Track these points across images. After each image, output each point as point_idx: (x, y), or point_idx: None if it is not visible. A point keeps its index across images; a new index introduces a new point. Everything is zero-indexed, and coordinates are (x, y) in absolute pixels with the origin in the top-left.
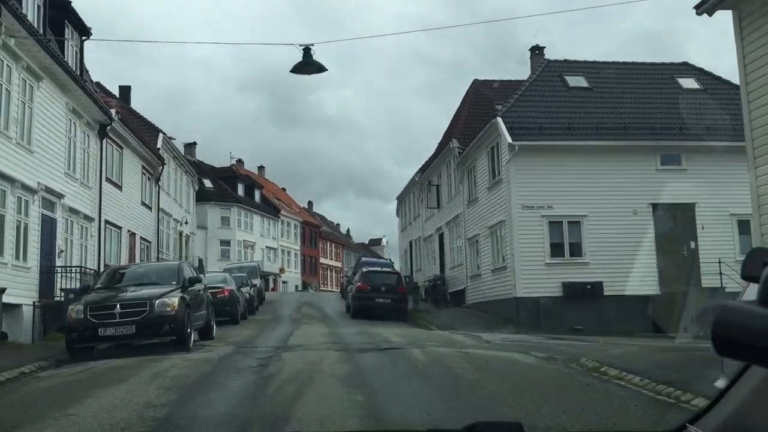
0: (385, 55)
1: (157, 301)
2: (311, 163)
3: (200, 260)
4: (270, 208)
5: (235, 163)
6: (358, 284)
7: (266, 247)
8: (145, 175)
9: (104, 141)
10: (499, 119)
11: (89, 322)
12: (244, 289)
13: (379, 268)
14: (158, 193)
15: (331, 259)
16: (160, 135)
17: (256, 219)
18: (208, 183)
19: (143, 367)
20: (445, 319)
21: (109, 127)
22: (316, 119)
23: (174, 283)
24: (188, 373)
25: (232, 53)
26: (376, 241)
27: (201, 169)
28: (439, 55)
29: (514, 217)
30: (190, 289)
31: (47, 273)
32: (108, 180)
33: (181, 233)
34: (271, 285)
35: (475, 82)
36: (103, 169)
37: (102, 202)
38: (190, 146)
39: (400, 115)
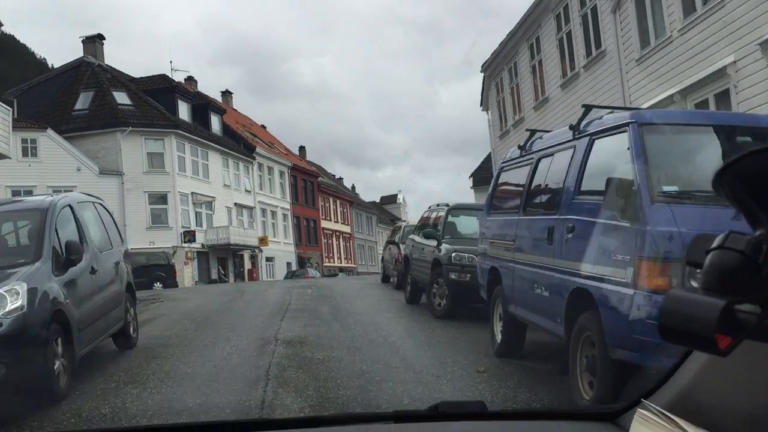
0: (358, 17)
1: None
2: (294, 135)
3: None
4: (239, 145)
5: (183, 81)
6: None
7: (235, 204)
8: None
9: None
10: None
11: None
12: None
13: None
14: None
15: (336, 221)
16: None
17: (215, 159)
18: (122, 98)
19: None
20: None
21: None
22: (293, 89)
23: None
24: None
25: (203, 26)
26: (390, 199)
27: (116, 79)
28: (415, 15)
29: None
30: None
31: None
32: None
33: None
34: (248, 265)
35: None
36: None
37: None
38: (92, 41)
39: (380, 80)
